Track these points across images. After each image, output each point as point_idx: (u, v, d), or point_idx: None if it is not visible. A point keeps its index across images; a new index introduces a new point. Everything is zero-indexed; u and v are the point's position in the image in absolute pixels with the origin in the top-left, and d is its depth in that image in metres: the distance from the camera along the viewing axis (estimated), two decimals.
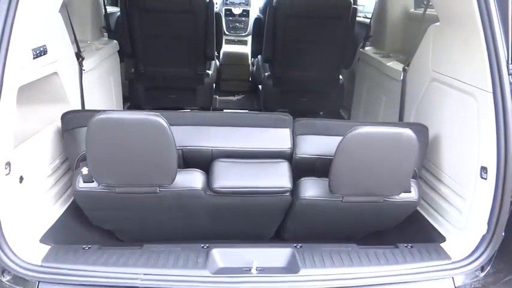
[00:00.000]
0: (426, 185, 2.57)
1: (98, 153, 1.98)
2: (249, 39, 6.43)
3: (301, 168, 2.29)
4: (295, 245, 2.14)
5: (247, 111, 5.19)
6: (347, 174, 2.08)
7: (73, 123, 2.25)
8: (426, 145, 2.38)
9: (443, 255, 2.12)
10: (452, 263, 2.07)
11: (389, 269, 2.02)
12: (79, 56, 2.71)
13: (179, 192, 2.13)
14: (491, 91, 2.00)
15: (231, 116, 2.38)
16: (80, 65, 2.72)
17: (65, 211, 2.38)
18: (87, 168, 2.07)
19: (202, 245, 2.11)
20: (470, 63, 2.17)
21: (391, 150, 2.03)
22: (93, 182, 2.10)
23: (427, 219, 2.47)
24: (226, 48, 6.33)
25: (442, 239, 2.29)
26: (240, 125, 2.32)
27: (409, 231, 2.58)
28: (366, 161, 2.04)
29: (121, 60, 4.21)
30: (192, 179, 2.16)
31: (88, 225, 2.41)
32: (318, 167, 2.28)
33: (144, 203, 2.19)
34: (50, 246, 2.06)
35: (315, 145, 2.29)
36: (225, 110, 5.17)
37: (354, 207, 2.23)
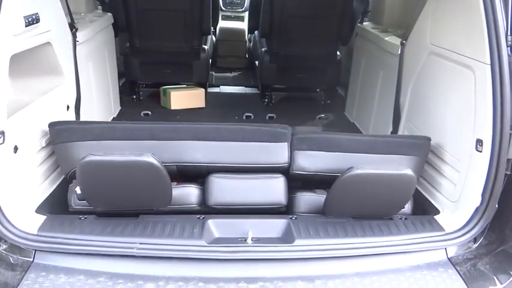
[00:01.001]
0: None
1: (90, 189, 2.01)
2: (246, 15, 6.34)
3: (298, 181, 2.31)
4: (290, 216, 2.16)
5: (244, 88, 5.15)
6: (342, 206, 2.13)
7: (62, 137, 2.19)
8: (426, 156, 2.39)
9: (437, 227, 2.14)
10: (446, 234, 2.10)
11: (383, 240, 2.05)
12: (73, 27, 2.66)
13: (175, 208, 2.16)
14: (489, 63, 1.99)
15: (227, 130, 2.31)
16: (74, 36, 2.68)
17: (60, 182, 2.38)
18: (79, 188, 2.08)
19: (198, 216, 2.12)
20: (469, 36, 2.15)
21: (389, 189, 2.06)
22: None
23: (421, 193, 2.48)
24: (222, 24, 6.24)
25: (436, 211, 2.31)
26: (236, 139, 2.27)
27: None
28: (362, 196, 2.08)
29: (115, 35, 4.16)
30: (187, 195, 2.20)
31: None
32: (316, 180, 2.29)
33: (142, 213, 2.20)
34: (45, 217, 2.06)
35: (313, 161, 2.26)
36: (221, 87, 5.14)
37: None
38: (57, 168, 2.43)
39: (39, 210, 2.12)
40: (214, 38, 5.73)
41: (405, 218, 2.20)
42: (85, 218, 2.07)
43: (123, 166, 1.94)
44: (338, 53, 4.48)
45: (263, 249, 1.96)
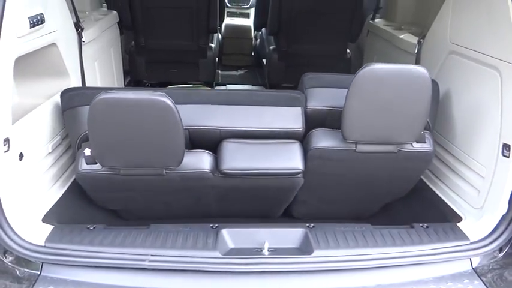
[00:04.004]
0: (441, 162, 2.48)
1: (101, 134, 1.87)
2: (252, 11, 6.23)
3: (312, 123, 2.19)
4: (307, 224, 2.07)
5: (251, 86, 5.05)
6: (360, 116, 1.98)
7: (73, 101, 2.13)
8: (437, 101, 2.29)
9: (461, 235, 2.05)
10: (471, 243, 2.00)
11: (406, 250, 1.95)
12: (78, 27, 2.57)
13: (186, 174, 2.03)
14: None
15: (239, 94, 2.27)
16: (79, 36, 2.59)
17: (66, 189, 2.30)
18: (89, 150, 1.98)
19: (211, 225, 2.03)
20: (494, 34, 2.05)
21: (405, 88, 1.92)
22: (96, 163, 2.00)
23: (441, 198, 2.39)
24: (228, 21, 6.13)
25: (458, 218, 2.22)
26: (249, 103, 2.20)
27: (422, 210, 2.51)
28: (379, 100, 1.94)
29: (120, 33, 4.07)
30: (199, 161, 2.06)
31: (91, 204, 2.33)
32: (329, 121, 2.19)
33: (150, 185, 2.10)
34: (53, 226, 1.98)
35: (325, 97, 2.20)
36: (228, 85, 5.04)
37: (367, 161, 2.14)
38: (63, 174, 2.35)
39: (46, 219, 2.03)
40: (220, 36, 5.64)
41: (427, 226, 2.10)
42: (94, 227, 1.99)
43: (136, 105, 1.80)
44: (348, 50, 4.37)
45: (281, 260, 1.86)
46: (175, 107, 1.82)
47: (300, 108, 2.20)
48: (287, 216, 2.62)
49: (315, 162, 2.15)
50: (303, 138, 2.19)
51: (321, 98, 2.21)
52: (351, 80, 1.94)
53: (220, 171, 2.07)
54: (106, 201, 2.31)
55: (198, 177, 2.06)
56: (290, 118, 2.18)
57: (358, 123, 2.01)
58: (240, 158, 2.07)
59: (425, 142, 2.15)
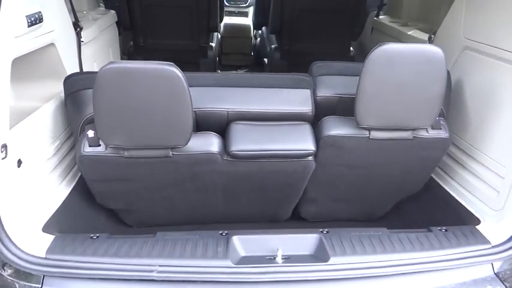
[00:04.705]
0: (456, 162, 2.40)
1: (106, 108, 1.77)
2: (250, 10, 6.14)
3: (323, 111, 2.12)
4: (321, 230, 1.98)
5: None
6: (374, 99, 1.90)
7: (77, 85, 2.03)
8: (450, 89, 2.22)
9: (481, 239, 1.96)
10: (492, 247, 1.92)
11: (425, 255, 1.86)
12: (77, 26, 2.46)
13: (194, 156, 1.93)
14: None
15: (247, 77, 2.18)
16: (78, 35, 2.48)
17: (68, 196, 2.19)
18: (93, 131, 1.88)
19: (220, 232, 1.93)
20: None
21: (420, 69, 1.84)
22: (99, 145, 1.90)
23: (457, 200, 2.31)
24: (226, 20, 6.03)
25: (476, 221, 2.13)
26: (257, 86, 2.12)
27: (436, 211, 2.43)
28: (393, 82, 1.86)
29: (118, 33, 3.96)
30: (207, 142, 1.96)
31: (93, 212, 2.24)
32: (340, 109, 2.11)
33: (155, 170, 1.99)
34: (54, 236, 1.87)
35: (335, 85, 2.12)
36: None
37: (381, 150, 2.06)
38: (65, 178, 2.25)
39: (47, 228, 1.93)
40: (219, 35, 5.54)
41: (445, 230, 2.02)
42: (97, 236, 1.88)
43: (144, 74, 1.72)
44: (351, 48, 4.29)
45: (296, 269, 1.77)
46: (184, 77, 1.74)
47: (308, 90, 2.13)
48: (296, 219, 2.53)
49: (327, 151, 2.07)
50: (312, 121, 2.11)
51: (331, 85, 2.13)
52: (362, 64, 1.87)
53: (228, 153, 1.97)
54: (107, 196, 2.19)
55: (205, 159, 1.96)
56: (299, 100, 2.10)
57: (372, 107, 1.92)
58: (249, 139, 1.99)
59: (440, 128, 2.07)
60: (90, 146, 1.90)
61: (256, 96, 2.10)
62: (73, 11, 2.47)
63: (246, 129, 2.01)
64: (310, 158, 2.05)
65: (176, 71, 1.73)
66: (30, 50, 1.90)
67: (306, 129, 2.05)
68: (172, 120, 1.81)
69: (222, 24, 5.82)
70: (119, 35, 3.91)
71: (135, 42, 4.12)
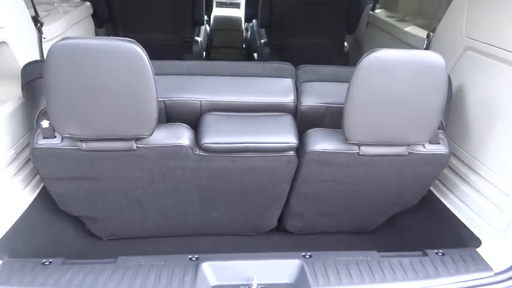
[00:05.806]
0: (456, 175, 2.18)
1: (58, 92, 1.54)
2: (242, 1, 5.89)
3: (308, 122, 1.91)
4: (303, 254, 1.76)
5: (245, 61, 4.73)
6: (364, 112, 1.69)
7: (34, 73, 1.83)
8: (451, 97, 2.02)
9: (482, 264, 1.76)
10: (495, 275, 1.71)
11: (419, 285, 1.66)
12: (37, 21, 2.22)
13: (161, 149, 1.72)
14: None
15: (224, 65, 1.96)
16: (39, 31, 2.24)
17: (29, 207, 1.96)
18: (47, 122, 1.66)
19: (190, 257, 1.72)
20: None
21: (417, 78, 1.63)
22: (55, 137, 1.69)
23: (456, 217, 2.09)
24: (217, 11, 5.78)
25: (477, 241, 1.93)
26: (233, 74, 1.93)
27: (432, 227, 2.23)
28: (386, 92, 1.65)
29: (100, 26, 3.71)
30: (176, 134, 1.75)
31: (60, 222, 2.03)
32: (327, 120, 1.91)
33: (119, 167, 1.78)
34: (1, 261, 1.66)
35: (322, 93, 1.92)
36: None
37: (373, 166, 1.86)
38: (26, 187, 2.03)
39: None
40: (208, 28, 5.29)
41: (442, 253, 1.81)
42: (50, 262, 1.67)
43: (100, 51, 1.50)
44: (346, 44, 4.05)
45: None
46: (147, 56, 1.52)
47: (290, 79, 1.93)
48: (282, 231, 2.33)
49: (312, 168, 1.85)
50: (294, 113, 1.90)
51: (318, 93, 1.92)
52: (353, 70, 1.64)
53: (200, 147, 1.76)
54: (68, 199, 1.96)
55: (175, 153, 1.74)
56: (280, 90, 1.90)
57: (363, 120, 1.71)
58: (222, 131, 1.77)
59: (439, 143, 1.86)
60: (44, 138, 1.69)
61: (233, 86, 1.89)
62: (32, 4, 2.22)
63: (219, 120, 1.80)
64: (292, 152, 1.83)
65: (136, 47, 1.51)
66: None
67: (287, 121, 1.84)
68: (133, 105, 1.59)
69: (212, 17, 5.58)
70: (101, 27, 3.67)
71: (115, 36, 3.86)
